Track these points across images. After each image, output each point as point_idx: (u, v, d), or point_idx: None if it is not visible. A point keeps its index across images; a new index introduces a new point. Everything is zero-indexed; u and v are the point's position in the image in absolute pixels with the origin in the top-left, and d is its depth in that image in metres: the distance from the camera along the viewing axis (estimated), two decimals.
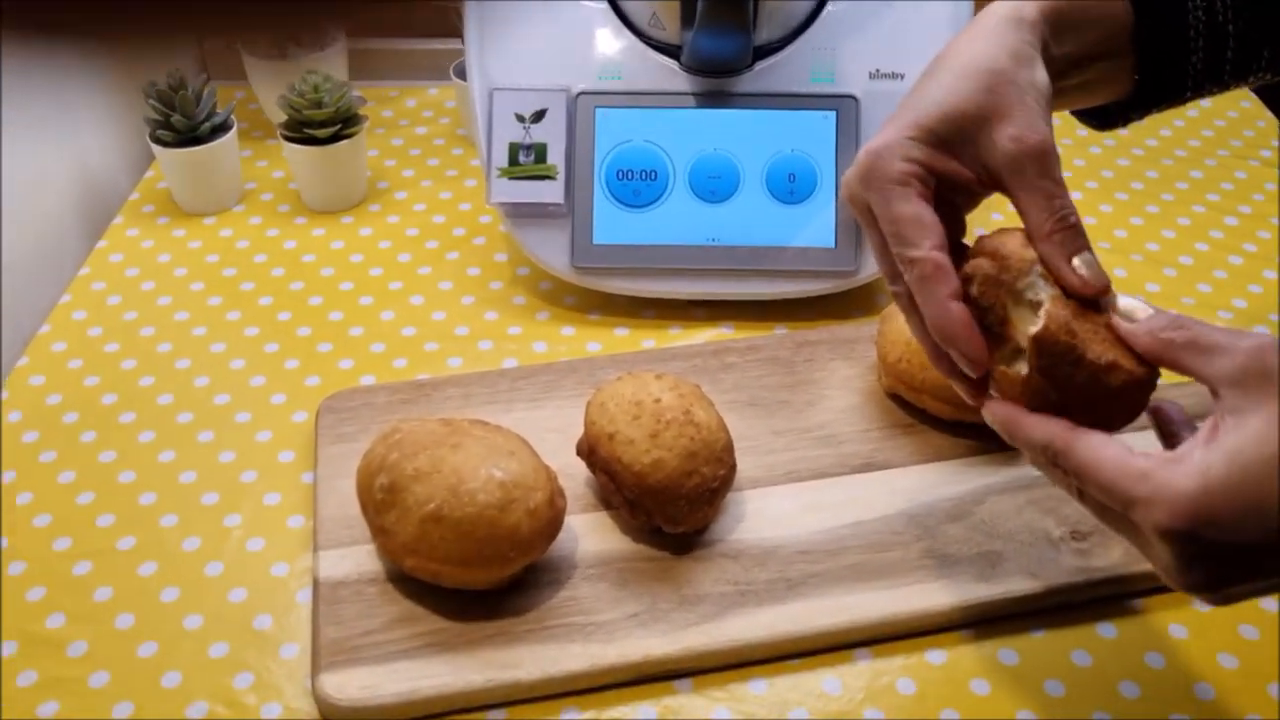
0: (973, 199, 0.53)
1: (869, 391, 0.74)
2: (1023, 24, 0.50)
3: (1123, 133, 0.83)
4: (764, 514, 0.67)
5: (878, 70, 0.82)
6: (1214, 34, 0.54)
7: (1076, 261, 0.49)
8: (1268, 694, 0.59)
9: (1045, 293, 0.49)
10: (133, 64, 0.96)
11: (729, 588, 0.62)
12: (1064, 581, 0.62)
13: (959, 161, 0.50)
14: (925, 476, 0.68)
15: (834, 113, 0.81)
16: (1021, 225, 0.50)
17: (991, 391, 0.51)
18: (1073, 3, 0.52)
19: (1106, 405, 0.49)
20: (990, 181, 0.51)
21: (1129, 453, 0.45)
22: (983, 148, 0.50)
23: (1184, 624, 0.62)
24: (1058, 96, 0.53)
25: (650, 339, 0.82)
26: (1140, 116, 0.58)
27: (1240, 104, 1.06)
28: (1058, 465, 0.47)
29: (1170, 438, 0.49)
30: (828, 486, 0.68)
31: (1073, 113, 0.59)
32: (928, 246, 0.48)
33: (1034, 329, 0.48)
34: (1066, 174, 0.58)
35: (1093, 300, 0.49)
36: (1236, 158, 0.99)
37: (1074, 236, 0.49)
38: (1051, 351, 0.48)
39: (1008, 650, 0.61)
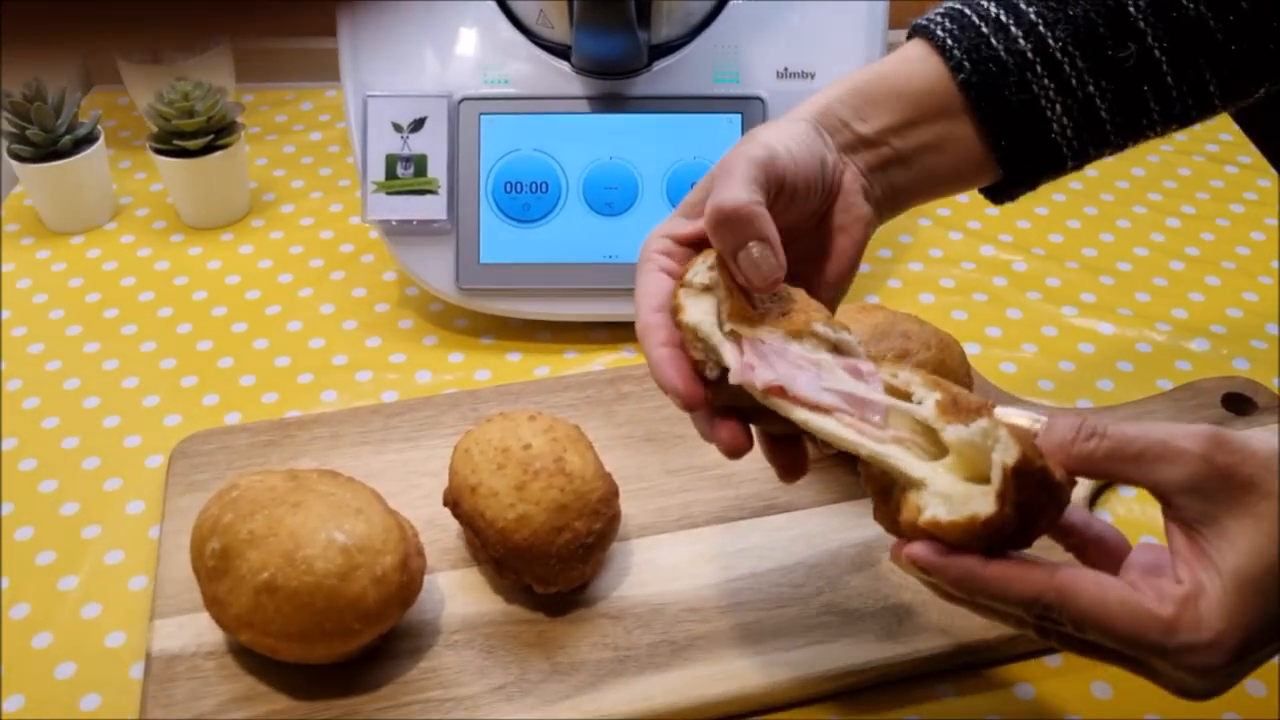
0: None
1: None
2: (808, 106, 0.51)
3: None
4: (652, 566, 0.60)
5: (786, 69, 0.75)
6: (1072, 99, 0.50)
7: (753, 250, 0.45)
8: None
9: (708, 275, 0.46)
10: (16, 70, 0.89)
11: (608, 654, 0.56)
12: (978, 638, 0.57)
13: None
14: (830, 519, 0.63)
15: (739, 115, 0.75)
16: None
17: (909, 544, 0.43)
18: (872, 80, 0.51)
19: (1050, 524, 0.44)
20: None
21: (1133, 593, 0.42)
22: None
23: (1106, 681, 0.56)
24: (900, 165, 0.51)
25: (545, 365, 0.76)
26: (1028, 189, 0.53)
27: None
28: (1048, 616, 0.42)
29: (1068, 535, 0.47)
30: (723, 533, 0.62)
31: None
32: (643, 311, 0.48)
33: (1010, 460, 0.40)
34: None
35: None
36: (1180, 153, 0.93)
37: (739, 227, 0.45)
38: (1029, 484, 0.41)
39: (914, 716, 0.55)
